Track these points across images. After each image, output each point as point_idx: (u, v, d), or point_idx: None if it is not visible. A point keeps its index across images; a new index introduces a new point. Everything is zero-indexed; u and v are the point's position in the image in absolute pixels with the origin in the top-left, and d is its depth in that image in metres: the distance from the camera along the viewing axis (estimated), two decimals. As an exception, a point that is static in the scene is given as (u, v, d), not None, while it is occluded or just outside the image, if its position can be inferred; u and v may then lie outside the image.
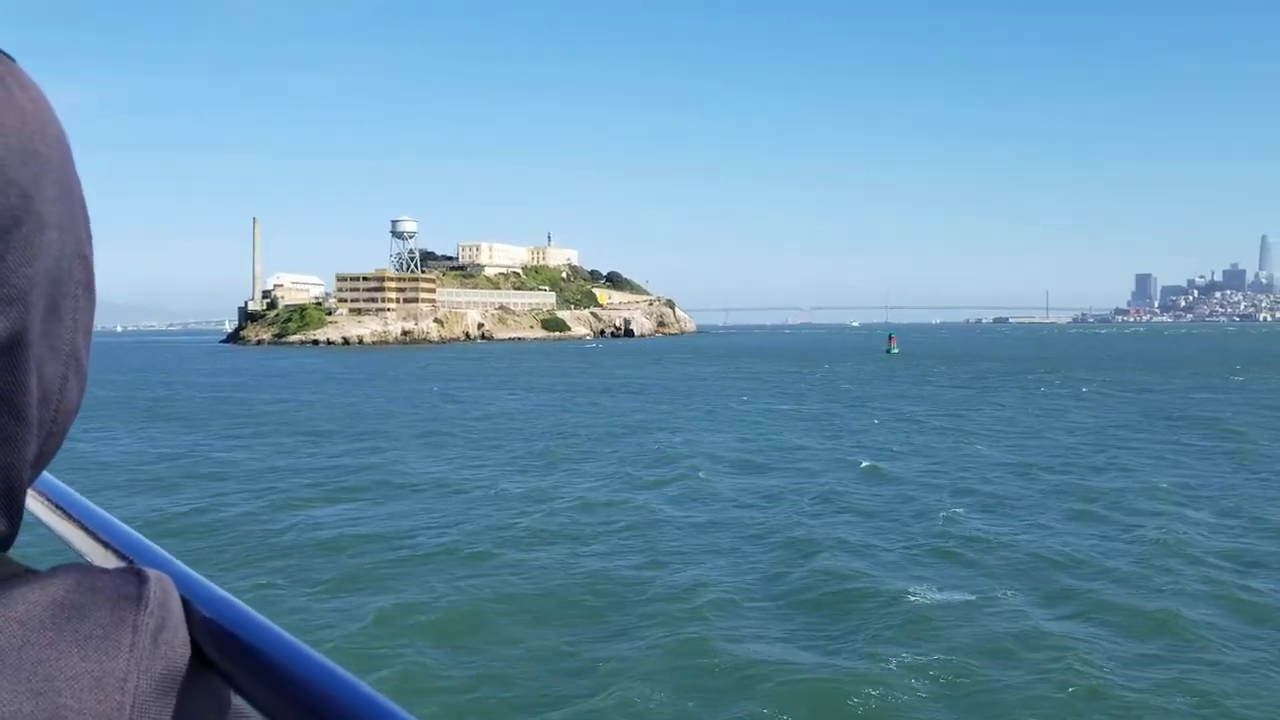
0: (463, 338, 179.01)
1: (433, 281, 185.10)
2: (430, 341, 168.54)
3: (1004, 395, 49.94)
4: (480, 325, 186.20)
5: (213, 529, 18.27)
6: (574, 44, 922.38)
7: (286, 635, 0.67)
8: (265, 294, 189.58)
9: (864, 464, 25.32)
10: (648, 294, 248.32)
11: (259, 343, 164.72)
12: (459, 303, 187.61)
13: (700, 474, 24.04)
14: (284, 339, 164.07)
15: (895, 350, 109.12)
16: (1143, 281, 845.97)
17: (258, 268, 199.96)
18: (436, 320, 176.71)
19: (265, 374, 76.04)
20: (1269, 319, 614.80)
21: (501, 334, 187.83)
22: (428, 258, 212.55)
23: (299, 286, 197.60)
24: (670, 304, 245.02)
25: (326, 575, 14.80)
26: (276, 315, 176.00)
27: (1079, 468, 24.89)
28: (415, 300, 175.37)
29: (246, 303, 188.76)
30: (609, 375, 72.41)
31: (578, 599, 13.58)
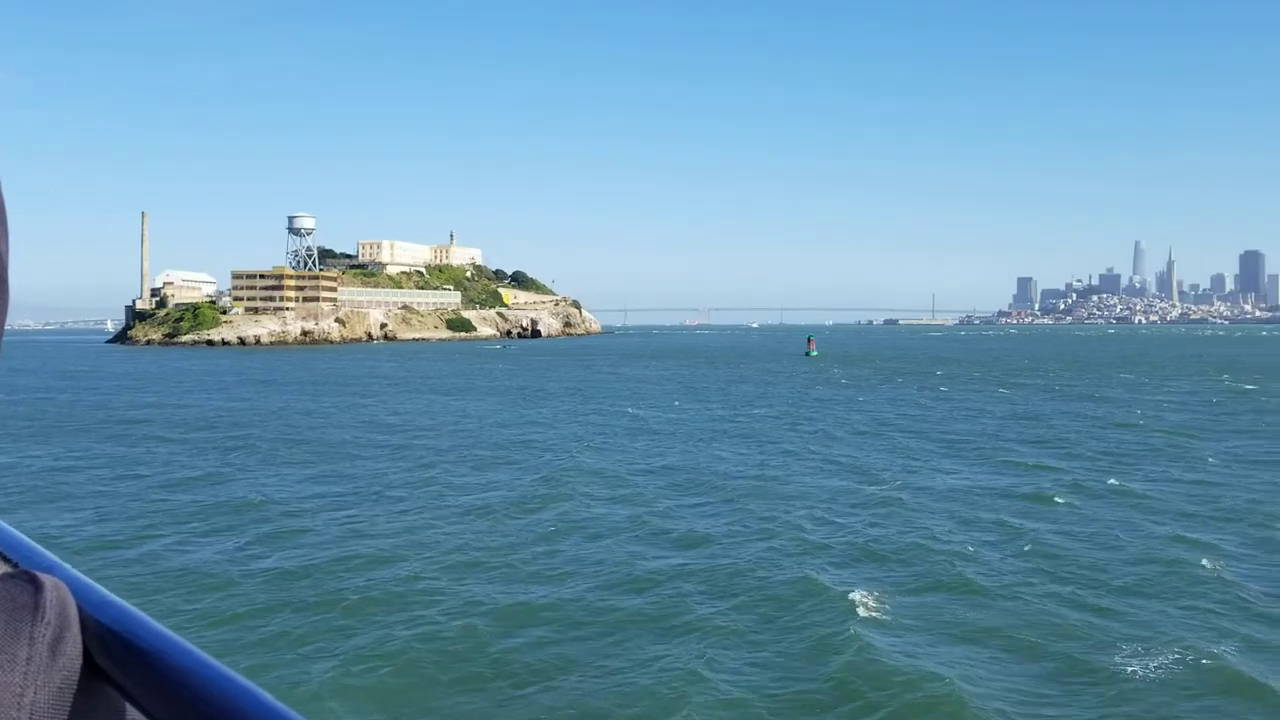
0: (365, 338, 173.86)
1: (334, 280, 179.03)
2: (331, 342, 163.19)
3: (932, 393, 49.67)
4: (383, 325, 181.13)
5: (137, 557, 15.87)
6: (474, 42, 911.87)
7: (184, 643, 0.64)
8: (154, 292, 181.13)
9: (870, 489, 24.05)
10: (553, 294, 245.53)
11: (149, 343, 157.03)
12: (361, 302, 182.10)
13: (667, 503, 22.43)
14: (175, 339, 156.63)
15: (815, 353, 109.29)
16: (1024, 285, 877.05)
17: (145, 265, 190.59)
18: (338, 320, 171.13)
19: (159, 376, 71.50)
20: (1143, 321, 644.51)
21: (405, 334, 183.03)
22: (326, 256, 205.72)
23: (190, 284, 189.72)
24: (576, 304, 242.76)
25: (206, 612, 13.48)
26: (167, 314, 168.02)
27: (1110, 475, 24.10)
28: (315, 299, 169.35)
29: (134, 301, 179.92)
30: (541, 378, 70.22)
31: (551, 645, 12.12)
